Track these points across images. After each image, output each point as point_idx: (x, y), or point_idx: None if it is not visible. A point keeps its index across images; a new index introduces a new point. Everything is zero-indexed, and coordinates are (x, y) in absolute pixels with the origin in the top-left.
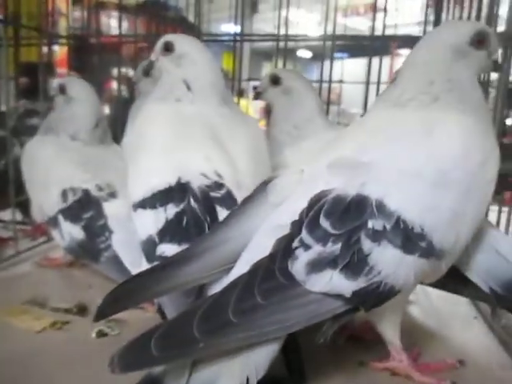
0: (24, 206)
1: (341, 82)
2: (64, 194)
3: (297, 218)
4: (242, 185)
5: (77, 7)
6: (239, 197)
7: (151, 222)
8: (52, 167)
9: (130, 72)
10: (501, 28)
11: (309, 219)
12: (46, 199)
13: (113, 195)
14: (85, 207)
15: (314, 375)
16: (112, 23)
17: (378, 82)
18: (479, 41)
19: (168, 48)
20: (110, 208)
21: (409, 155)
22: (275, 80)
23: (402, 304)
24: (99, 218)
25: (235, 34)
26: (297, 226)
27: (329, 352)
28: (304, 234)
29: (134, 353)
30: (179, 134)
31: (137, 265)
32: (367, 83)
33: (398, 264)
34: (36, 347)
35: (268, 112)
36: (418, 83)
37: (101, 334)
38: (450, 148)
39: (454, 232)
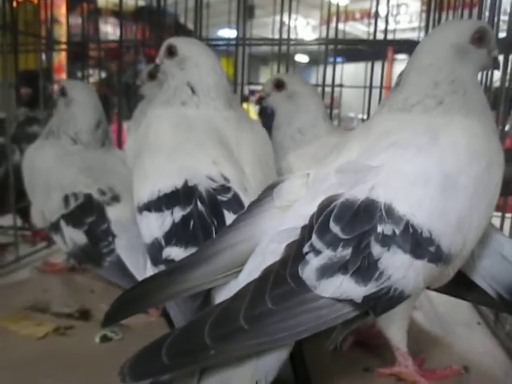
0: (24, 211)
1: (341, 86)
2: (66, 199)
3: (305, 222)
4: (249, 188)
5: (73, 14)
6: (246, 200)
7: (157, 224)
8: (53, 172)
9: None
10: (502, 34)
11: (319, 224)
12: (47, 204)
13: (116, 199)
14: (87, 212)
15: (319, 381)
16: (109, 29)
17: (381, 87)
18: (479, 38)
19: (171, 52)
20: (113, 212)
21: (415, 160)
22: (280, 85)
23: (409, 309)
24: (102, 223)
25: (237, 39)
26: (307, 231)
27: (334, 358)
28: (314, 239)
29: (144, 361)
30: (185, 137)
31: (141, 269)
32: (370, 87)
33: (408, 269)
34: (39, 353)
35: (263, 116)
36: (423, 86)
37: (105, 339)
38: (456, 153)
39: (462, 236)
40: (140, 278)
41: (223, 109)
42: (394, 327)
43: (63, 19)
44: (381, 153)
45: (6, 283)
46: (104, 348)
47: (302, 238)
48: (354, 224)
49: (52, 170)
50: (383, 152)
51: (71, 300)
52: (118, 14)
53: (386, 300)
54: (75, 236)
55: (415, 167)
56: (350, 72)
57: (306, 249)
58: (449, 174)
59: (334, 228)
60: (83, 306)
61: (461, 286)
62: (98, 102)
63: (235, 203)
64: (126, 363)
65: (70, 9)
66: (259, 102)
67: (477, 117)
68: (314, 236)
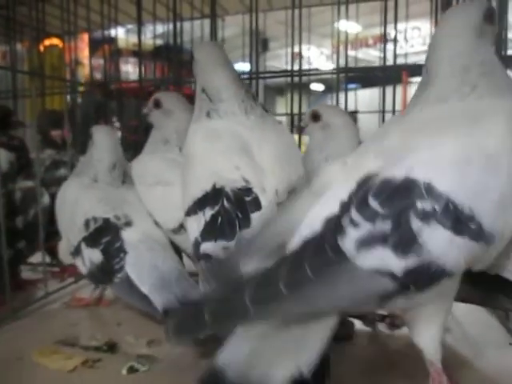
0: (52, 250)
1: (356, 112)
2: (87, 223)
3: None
4: (267, 187)
5: (95, 55)
6: (264, 200)
7: (195, 226)
8: (78, 202)
9: None
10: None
11: (358, 199)
12: (72, 230)
13: (128, 224)
14: (104, 232)
15: None
16: (128, 69)
17: (394, 111)
18: (489, 16)
19: (192, 58)
20: (126, 233)
21: (456, 143)
22: (315, 116)
23: (442, 314)
24: (116, 241)
25: (251, 73)
26: (346, 206)
27: (367, 379)
28: (354, 213)
29: (187, 320)
30: (212, 148)
31: (145, 282)
32: (383, 112)
33: (448, 245)
34: None
35: None
36: (455, 74)
37: (131, 370)
38: (496, 133)
39: (503, 216)
40: (145, 290)
41: (240, 113)
42: (427, 336)
43: (86, 61)
44: (420, 138)
45: (36, 318)
46: (131, 379)
47: (340, 213)
48: (392, 199)
49: (77, 199)
50: (422, 137)
51: (99, 333)
52: (138, 53)
53: (426, 275)
54: (93, 255)
55: (455, 148)
56: (366, 98)
57: (345, 222)
58: (490, 152)
59: (373, 203)
60: (110, 339)
61: (489, 293)
62: (115, 145)
63: (255, 204)
64: (170, 323)
65: (92, 51)
66: (300, 131)
67: (510, 95)
68: (353, 210)
